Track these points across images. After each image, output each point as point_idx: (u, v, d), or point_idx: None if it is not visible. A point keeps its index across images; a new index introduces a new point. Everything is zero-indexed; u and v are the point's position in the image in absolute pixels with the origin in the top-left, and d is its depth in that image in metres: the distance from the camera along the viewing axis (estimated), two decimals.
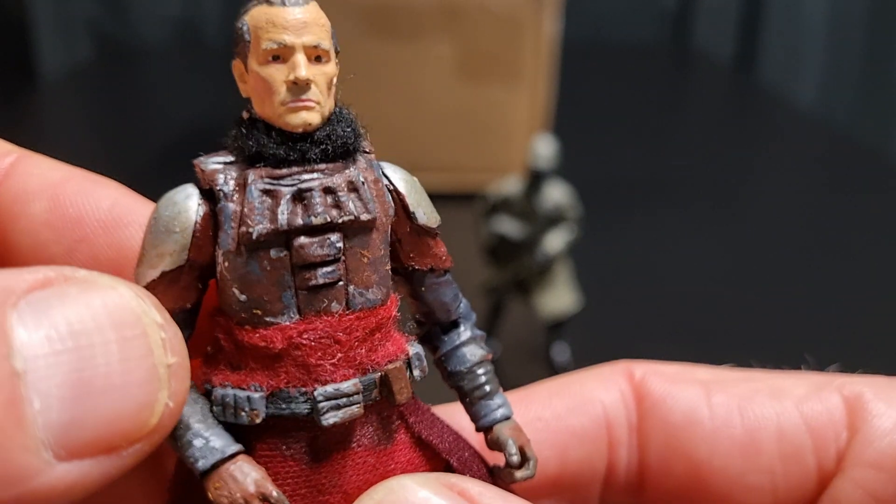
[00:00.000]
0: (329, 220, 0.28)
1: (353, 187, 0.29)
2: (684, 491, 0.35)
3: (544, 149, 0.94)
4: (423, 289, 0.32)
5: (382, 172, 0.31)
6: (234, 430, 0.28)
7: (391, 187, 0.30)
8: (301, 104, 0.28)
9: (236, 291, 0.28)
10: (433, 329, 0.33)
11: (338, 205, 0.28)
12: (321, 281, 0.28)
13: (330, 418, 0.28)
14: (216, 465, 0.27)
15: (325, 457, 0.29)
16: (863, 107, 2.31)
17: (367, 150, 0.30)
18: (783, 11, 2.31)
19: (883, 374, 0.36)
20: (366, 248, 0.29)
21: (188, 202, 0.28)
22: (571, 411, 0.37)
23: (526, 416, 0.36)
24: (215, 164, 0.29)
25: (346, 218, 0.28)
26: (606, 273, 1.22)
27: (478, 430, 0.33)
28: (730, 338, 1.07)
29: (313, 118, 0.28)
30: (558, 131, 1.37)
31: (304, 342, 0.28)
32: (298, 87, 0.28)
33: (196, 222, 0.28)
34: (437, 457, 0.31)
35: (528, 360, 1.03)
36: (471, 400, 0.33)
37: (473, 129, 1.41)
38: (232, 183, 0.28)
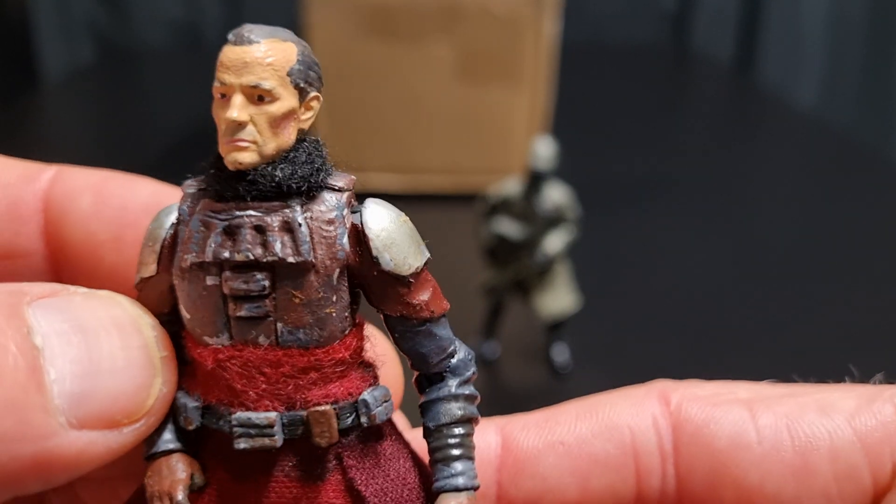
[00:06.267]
0: (252, 257, 0.29)
1: (287, 228, 0.29)
2: None
3: (544, 150, 0.95)
4: (396, 335, 0.32)
5: (361, 212, 0.30)
6: (193, 431, 0.30)
7: (360, 228, 0.30)
8: (233, 144, 0.29)
9: (183, 309, 0.30)
10: (420, 377, 0.32)
11: (265, 244, 0.29)
12: (246, 314, 0.29)
13: (241, 443, 0.29)
14: (155, 456, 0.30)
15: (250, 476, 0.30)
16: (862, 107, 2.31)
17: (339, 188, 0.30)
18: (782, 12, 2.31)
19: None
20: (298, 290, 0.29)
21: (166, 219, 0.30)
22: (596, 436, 0.35)
23: (549, 438, 0.35)
24: (189, 188, 0.30)
25: (270, 258, 0.29)
26: (606, 273, 1.23)
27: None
28: (729, 338, 1.07)
29: (245, 158, 0.29)
30: (558, 132, 1.37)
31: (231, 367, 0.29)
32: (233, 127, 0.29)
33: (165, 239, 0.30)
34: None
35: (528, 361, 1.03)
36: (432, 460, 0.31)
37: (473, 131, 1.42)
38: (187, 209, 0.30)
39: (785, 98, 2.23)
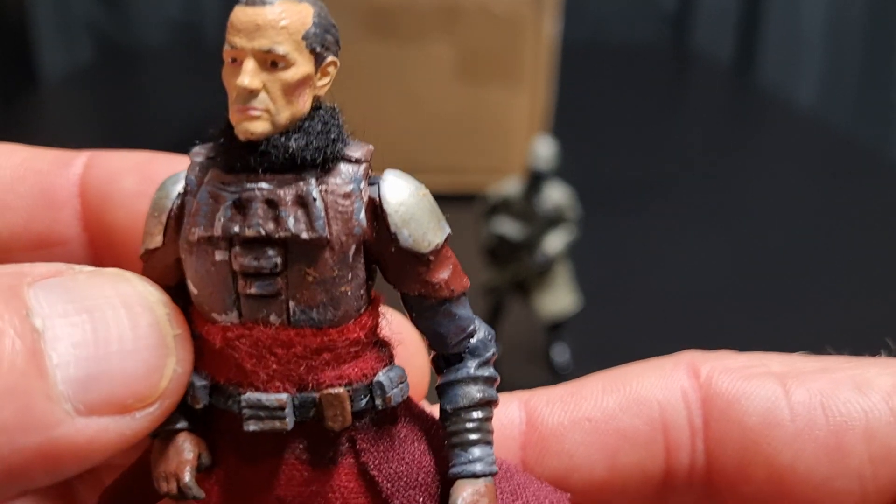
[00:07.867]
0: (264, 233, 0.27)
1: (301, 202, 0.27)
2: (764, 497, 0.32)
3: (544, 150, 0.95)
4: (414, 314, 0.30)
5: (379, 184, 0.29)
6: (201, 409, 0.29)
7: (377, 202, 0.28)
8: (245, 112, 0.26)
9: (190, 284, 0.28)
10: (438, 356, 0.31)
11: (277, 219, 0.27)
12: (256, 292, 0.27)
13: (251, 425, 0.28)
14: (161, 434, 0.29)
15: (259, 458, 0.29)
16: (861, 107, 2.31)
17: (356, 159, 0.28)
18: (782, 13, 2.31)
19: None
20: (311, 267, 0.27)
21: (172, 188, 0.29)
22: (624, 411, 0.33)
23: (574, 414, 0.33)
24: (197, 156, 0.29)
25: (282, 234, 0.27)
26: (605, 273, 1.23)
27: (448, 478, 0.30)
28: (728, 338, 1.07)
29: (257, 127, 0.27)
30: (558, 132, 1.37)
31: (240, 346, 0.28)
32: (244, 95, 0.26)
33: (171, 209, 0.28)
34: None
35: (528, 361, 1.04)
36: (448, 444, 0.29)
37: (473, 131, 1.42)
38: (194, 178, 0.28)
39: (784, 98, 2.23)
